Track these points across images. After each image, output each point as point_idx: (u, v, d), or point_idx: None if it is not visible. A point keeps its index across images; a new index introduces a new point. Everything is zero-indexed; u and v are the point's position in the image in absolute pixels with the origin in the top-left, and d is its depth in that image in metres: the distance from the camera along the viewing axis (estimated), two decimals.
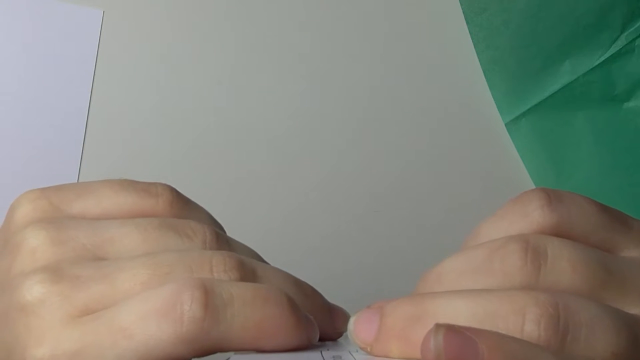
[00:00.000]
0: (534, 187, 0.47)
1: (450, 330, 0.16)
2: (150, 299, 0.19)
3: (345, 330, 0.23)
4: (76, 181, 0.43)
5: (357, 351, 0.20)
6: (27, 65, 0.43)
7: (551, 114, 0.47)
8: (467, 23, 0.46)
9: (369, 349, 0.19)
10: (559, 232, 0.20)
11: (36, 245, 0.21)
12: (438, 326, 0.16)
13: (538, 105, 0.47)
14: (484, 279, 0.19)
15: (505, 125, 0.47)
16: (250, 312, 0.19)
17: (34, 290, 0.20)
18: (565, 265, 0.19)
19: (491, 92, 0.47)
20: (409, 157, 0.47)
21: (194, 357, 0.19)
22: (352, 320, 0.20)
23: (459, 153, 0.48)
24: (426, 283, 0.21)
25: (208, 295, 0.19)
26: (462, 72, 0.48)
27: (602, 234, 0.21)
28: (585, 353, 0.17)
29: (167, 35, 0.45)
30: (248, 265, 0.21)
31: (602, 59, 0.46)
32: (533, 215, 0.20)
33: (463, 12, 0.46)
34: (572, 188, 0.47)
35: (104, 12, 0.44)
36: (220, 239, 0.23)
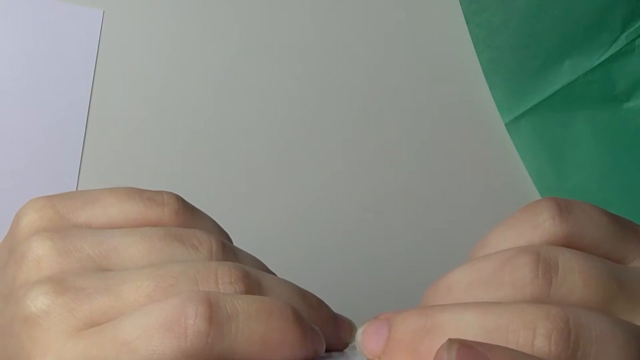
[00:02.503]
0: (534, 187, 0.47)
1: (463, 346, 0.16)
2: (154, 312, 0.19)
3: (351, 341, 0.23)
4: (76, 181, 0.43)
5: None
6: (27, 65, 0.43)
7: (551, 114, 0.47)
8: (467, 23, 0.46)
9: None
10: (569, 243, 0.20)
11: (41, 255, 0.21)
12: (451, 341, 0.16)
13: (538, 105, 0.47)
14: (494, 290, 0.19)
15: (505, 125, 0.47)
16: (255, 325, 0.19)
17: (38, 302, 0.20)
18: (576, 278, 0.19)
19: (491, 92, 0.47)
20: (409, 157, 0.47)
21: None
22: (359, 331, 0.20)
23: (459, 153, 0.48)
24: (435, 293, 0.21)
25: (212, 310, 0.19)
26: (462, 72, 0.48)
27: (612, 244, 0.21)
28: None
29: (167, 35, 0.45)
30: (253, 277, 0.21)
31: (602, 59, 0.46)
32: (543, 226, 0.20)
33: (463, 12, 0.46)
34: (572, 188, 0.47)
35: (104, 12, 0.44)
36: (226, 249, 0.22)
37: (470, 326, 0.18)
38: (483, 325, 0.18)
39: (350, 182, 0.46)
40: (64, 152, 0.43)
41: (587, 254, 0.20)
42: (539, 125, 0.47)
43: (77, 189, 0.43)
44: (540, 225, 0.20)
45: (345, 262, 0.45)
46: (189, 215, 0.23)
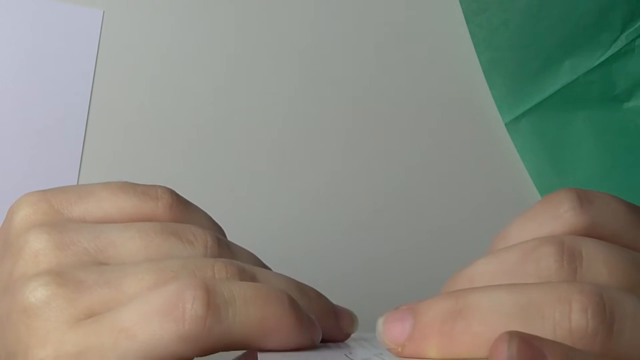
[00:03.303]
0: (534, 187, 0.47)
1: (524, 340, 0.16)
2: (152, 299, 0.19)
3: (352, 331, 0.23)
4: (76, 181, 0.43)
5: (381, 354, 0.20)
6: (27, 65, 0.43)
7: (551, 114, 0.47)
8: (467, 23, 0.46)
9: (399, 349, 0.19)
10: (591, 233, 0.20)
11: (38, 248, 0.21)
12: (511, 334, 0.16)
13: (538, 105, 0.47)
14: (518, 281, 0.19)
15: (505, 125, 0.47)
16: (252, 310, 0.19)
17: (38, 293, 0.20)
18: (601, 267, 0.19)
19: (491, 92, 0.47)
20: (409, 157, 0.47)
21: (196, 356, 0.19)
22: (380, 321, 0.19)
23: (459, 153, 0.48)
24: (456, 285, 0.20)
25: (210, 295, 0.19)
26: (462, 72, 0.48)
27: (632, 234, 0.20)
28: (631, 344, 0.17)
29: (168, 35, 0.45)
30: (249, 272, 0.21)
31: (602, 59, 0.46)
32: (565, 217, 0.20)
33: (463, 12, 0.46)
34: None
35: (104, 12, 0.44)
36: (222, 244, 0.23)
37: (504, 304, 0.17)
38: (517, 302, 0.17)
39: (350, 182, 0.46)
40: (64, 152, 0.43)
41: (610, 244, 0.19)
42: (539, 125, 0.47)
43: None
44: (561, 216, 0.20)
45: (345, 262, 0.45)
46: (182, 209, 0.23)
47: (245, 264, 0.22)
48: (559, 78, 0.46)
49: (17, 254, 0.21)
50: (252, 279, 0.21)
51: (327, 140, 0.46)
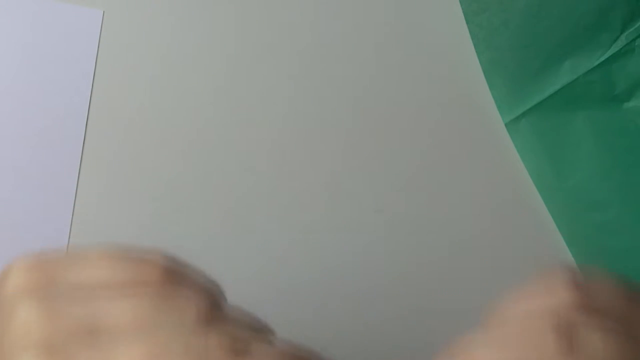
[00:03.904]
0: (534, 187, 0.47)
1: None
2: None
3: None
4: (76, 181, 0.43)
5: None
6: (27, 65, 0.43)
7: (551, 114, 0.47)
8: (467, 23, 0.46)
9: None
10: (585, 310, 0.21)
11: (29, 319, 0.21)
12: None
13: (538, 105, 0.47)
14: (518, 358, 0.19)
15: (505, 125, 0.47)
16: None
17: None
18: (597, 341, 0.19)
19: (491, 92, 0.47)
20: (409, 157, 0.47)
21: None
22: None
23: (459, 153, 0.48)
24: None
25: None
26: (462, 72, 0.48)
27: (625, 315, 0.21)
28: None
29: (168, 35, 0.45)
30: (241, 345, 0.21)
31: (602, 59, 0.46)
32: (560, 293, 0.21)
33: (463, 12, 0.46)
34: (572, 188, 0.47)
35: (104, 12, 0.44)
36: (215, 311, 0.23)
37: None
38: None
39: (349, 182, 0.46)
40: (64, 152, 0.43)
41: (605, 319, 0.20)
42: (539, 125, 0.47)
43: (77, 188, 0.43)
44: (557, 295, 0.21)
45: (345, 262, 0.45)
46: (177, 275, 0.23)
47: (240, 332, 0.22)
48: (559, 78, 0.46)
49: (7, 319, 0.21)
50: (245, 352, 0.21)
51: (327, 140, 0.46)
